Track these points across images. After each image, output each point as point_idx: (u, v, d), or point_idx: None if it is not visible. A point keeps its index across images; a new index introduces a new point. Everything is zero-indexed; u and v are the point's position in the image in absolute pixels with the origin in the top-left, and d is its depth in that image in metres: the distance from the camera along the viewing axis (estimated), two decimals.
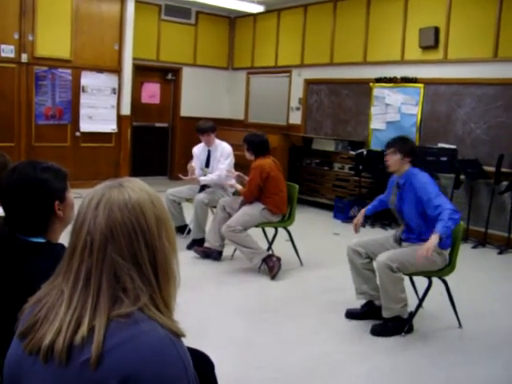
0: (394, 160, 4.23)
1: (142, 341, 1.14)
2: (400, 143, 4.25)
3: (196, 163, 6.45)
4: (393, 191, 4.34)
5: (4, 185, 1.97)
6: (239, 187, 5.71)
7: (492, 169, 6.98)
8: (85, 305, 1.17)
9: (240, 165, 6.63)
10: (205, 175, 6.29)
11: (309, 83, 10.11)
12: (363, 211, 4.66)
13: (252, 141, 5.61)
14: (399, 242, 4.29)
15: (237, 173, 5.88)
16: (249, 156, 5.64)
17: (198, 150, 6.51)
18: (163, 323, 1.19)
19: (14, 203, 1.93)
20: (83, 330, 1.14)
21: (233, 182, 6.00)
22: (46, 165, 2.00)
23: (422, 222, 4.15)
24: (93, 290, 1.18)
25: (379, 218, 7.72)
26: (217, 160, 6.27)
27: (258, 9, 10.09)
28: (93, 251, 1.19)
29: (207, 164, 6.39)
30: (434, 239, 3.78)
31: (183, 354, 1.19)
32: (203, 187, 6.32)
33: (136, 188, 1.26)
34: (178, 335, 1.21)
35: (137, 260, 1.21)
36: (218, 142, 6.36)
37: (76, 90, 9.36)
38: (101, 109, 9.64)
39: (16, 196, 1.92)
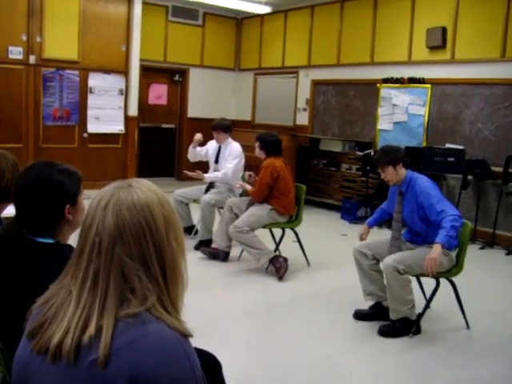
0: (389, 174, 4.21)
1: (149, 341, 1.14)
2: (385, 156, 4.22)
3: (202, 153, 6.56)
4: (397, 200, 4.32)
5: (19, 182, 1.98)
6: (248, 187, 5.71)
7: (500, 169, 6.96)
8: (93, 305, 1.18)
9: (249, 166, 6.65)
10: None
11: (316, 84, 10.10)
12: (366, 224, 4.64)
13: (265, 140, 5.62)
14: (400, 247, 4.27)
15: (249, 172, 5.88)
16: (259, 153, 5.65)
17: (211, 144, 6.56)
18: (171, 324, 1.19)
19: (25, 201, 1.93)
20: (91, 329, 1.14)
21: (241, 181, 6.03)
22: (62, 167, 2.00)
23: (425, 226, 4.14)
24: (101, 289, 1.19)
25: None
26: (225, 158, 6.30)
27: (264, 10, 10.10)
28: (101, 251, 1.20)
29: (216, 160, 6.42)
30: (436, 250, 3.77)
31: (191, 355, 1.19)
32: (209, 188, 6.33)
33: (144, 189, 1.27)
34: (185, 335, 1.21)
35: (145, 260, 1.21)
36: (230, 141, 6.39)
37: (83, 91, 9.39)
38: (108, 110, 9.67)
39: (29, 194, 1.92)
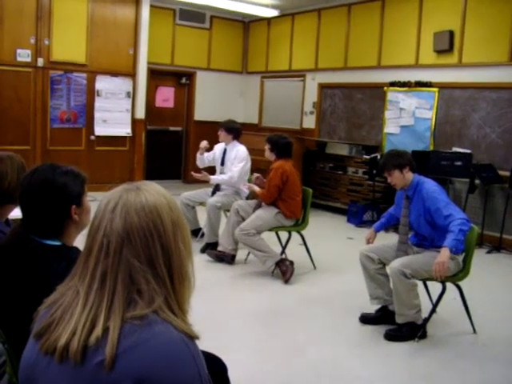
0: (396, 178, 4.19)
1: (155, 343, 1.15)
2: (391, 160, 4.21)
3: (210, 158, 6.58)
4: (404, 205, 4.31)
5: (23, 186, 1.99)
6: (257, 188, 5.69)
7: (507, 173, 6.93)
8: (100, 306, 1.18)
9: (255, 169, 6.66)
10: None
11: (323, 87, 10.10)
12: (373, 229, 4.62)
13: (277, 142, 5.60)
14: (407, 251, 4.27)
15: (257, 175, 5.88)
16: (269, 155, 5.64)
17: (218, 147, 6.59)
18: (177, 325, 1.20)
19: (31, 205, 1.95)
20: (98, 330, 1.15)
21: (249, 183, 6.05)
22: (66, 169, 2.02)
23: (432, 230, 4.13)
24: (108, 291, 1.19)
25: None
26: (230, 161, 6.31)
27: (272, 13, 10.11)
28: (109, 253, 1.21)
29: (222, 162, 6.43)
30: (444, 253, 3.76)
31: (197, 357, 1.19)
32: (215, 190, 6.35)
33: (153, 191, 1.28)
34: (192, 337, 1.22)
35: (152, 262, 1.22)
36: (235, 143, 6.39)
37: (91, 93, 9.43)
38: (115, 112, 9.69)
39: (34, 198, 1.93)
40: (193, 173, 6.38)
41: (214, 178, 6.30)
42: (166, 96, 11.33)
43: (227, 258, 5.76)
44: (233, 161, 6.28)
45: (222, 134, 6.40)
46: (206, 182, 6.47)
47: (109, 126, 9.64)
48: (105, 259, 1.21)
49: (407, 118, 8.56)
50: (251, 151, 6.53)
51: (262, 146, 5.94)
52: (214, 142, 6.62)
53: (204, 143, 6.47)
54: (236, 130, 6.42)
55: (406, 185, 4.21)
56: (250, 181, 6.36)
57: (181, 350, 1.17)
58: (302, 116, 10.56)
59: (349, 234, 7.61)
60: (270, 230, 5.60)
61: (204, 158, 6.55)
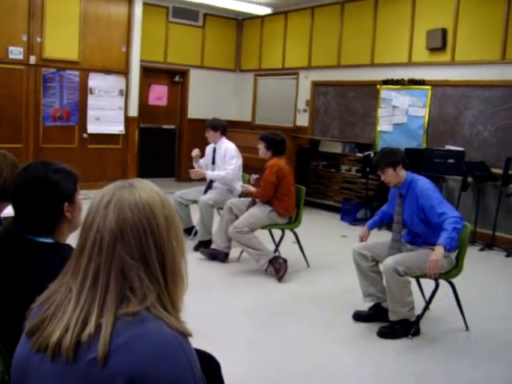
0: (389, 176, 4.20)
1: (148, 340, 1.14)
2: (385, 158, 4.22)
3: (206, 161, 6.59)
4: (397, 202, 4.32)
5: (15, 183, 1.98)
6: (252, 189, 5.69)
7: (499, 171, 6.96)
8: (92, 303, 1.18)
9: (248, 166, 6.66)
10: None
11: (316, 85, 10.10)
12: (366, 226, 4.63)
13: (273, 139, 5.60)
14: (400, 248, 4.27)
15: (255, 176, 5.87)
16: (264, 154, 5.63)
17: (208, 147, 6.61)
18: (170, 323, 1.20)
19: (23, 202, 1.94)
20: (90, 327, 1.15)
21: (241, 181, 6.04)
22: (58, 166, 2.01)
23: (426, 228, 4.14)
24: (101, 288, 1.19)
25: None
26: (221, 159, 6.32)
27: (265, 11, 10.12)
28: (102, 249, 1.20)
29: (213, 161, 6.44)
30: (438, 251, 3.77)
31: (190, 354, 1.19)
32: (208, 188, 6.34)
33: (146, 189, 1.28)
34: (184, 335, 1.21)
35: (145, 259, 1.22)
36: (224, 140, 6.40)
37: (83, 91, 9.39)
38: (108, 110, 9.67)
39: (26, 195, 1.93)
40: (190, 170, 6.39)
41: (210, 174, 6.30)
42: (159, 94, 11.30)
43: (220, 256, 5.76)
44: (223, 159, 6.29)
45: (209, 133, 6.41)
46: (200, 180, 6.45)
47: (102, 123, 9.61)
48: (98, 256, 1.20)
49: (400, 116, 8.58)
50: (244, 149, 6.54)
51: (255, 143, 5.94)
52: (206, 140, 6.60)
53: (195, 152, 6.47)
54: (222, 126, 6.43)
55: (400, 182, 4.22)
56: (244, 179, 6.36)
57: (173, 346, 1.17)
58: (295, 114, 10.57)
59: (342, 231, 7.61)
60: (264, 227, 5.60)
61: (201, 164, 6.55)
